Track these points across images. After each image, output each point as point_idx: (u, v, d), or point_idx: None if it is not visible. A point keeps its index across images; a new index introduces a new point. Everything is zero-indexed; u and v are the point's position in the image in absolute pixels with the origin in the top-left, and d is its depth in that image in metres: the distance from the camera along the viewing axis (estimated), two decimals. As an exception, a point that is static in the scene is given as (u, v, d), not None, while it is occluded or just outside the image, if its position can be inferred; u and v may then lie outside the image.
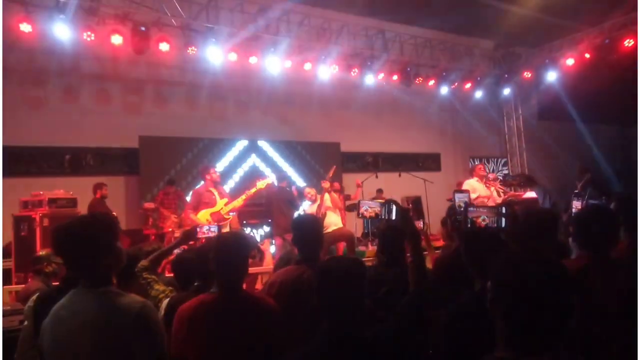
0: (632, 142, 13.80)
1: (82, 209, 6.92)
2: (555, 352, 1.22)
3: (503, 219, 2.35)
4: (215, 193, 6.27)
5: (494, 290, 1.31)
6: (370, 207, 2.13)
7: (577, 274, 2.09)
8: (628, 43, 8.82)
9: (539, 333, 1.23)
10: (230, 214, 6.31)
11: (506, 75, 11.29)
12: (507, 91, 11.63)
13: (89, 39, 7.04)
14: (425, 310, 1.90)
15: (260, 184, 6.69)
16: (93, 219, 1.93)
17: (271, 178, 7.18)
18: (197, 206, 6.16)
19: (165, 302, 2.74)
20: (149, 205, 8.01)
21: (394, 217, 2.05)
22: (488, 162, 12.59)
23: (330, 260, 1.93)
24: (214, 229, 3.63)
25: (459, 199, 4.39)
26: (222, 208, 6.18)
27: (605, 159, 13.09)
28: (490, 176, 7.51)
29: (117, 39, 7.12)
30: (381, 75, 9.84)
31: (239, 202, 6.33)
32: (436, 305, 2.24)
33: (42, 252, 3.99)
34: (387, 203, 2.08)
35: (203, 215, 6.09)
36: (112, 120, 8.42)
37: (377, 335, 1.71)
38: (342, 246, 7.21)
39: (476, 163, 12.29)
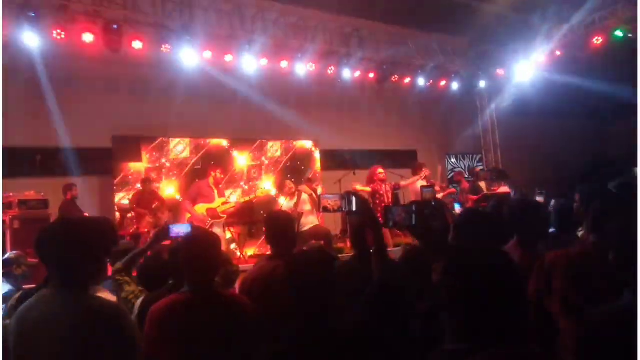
0: (604, 137, 14.21)
1: (54, 210, 6.80)
2: (508, 343, 1.22)
3: (413, 216, 2.32)
4: (215, 191, 6.42)
5: (442, 283, 1.32)
6: (331, 200, 2.16)
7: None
8: (597, 40, 9.05)
9: (489, 324, 1.22)
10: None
11: (480, 72, 11.46)
12: (481, 86, 11.81)
13: (59, 38, 6.91)
14: (392, 298, 1.93)
15: (260, 192, 6.85)
16: (97, 224, 1.90)
17: (269, 188, 7.26)
18: (196, 199, 6.35)
19: (139, 302, 2.71)
20: (124, 205, 7.91)
21: (354, 208, 2.09)
22: (464, 159, 12.78)
23: (299, 253, 1.96)
24: (187, 228, 3.60)
25: (426, 192, 4.47)
26: (218, 206, 6.31)
27: (579, 154, 13.43)
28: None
29: (88, 37, 7.01)
30: (357, 73, 9.89)
31: (235, 203, 6.48)
32: (411, 296, 2.27)
33: (11, 255, 3.90)
34: (347, 195, 2.11)
35: (200, 208, 6.23)
36: (85, 120, 8.26)
37: (345, 326, 1.73)
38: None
39: (452, 160, 12.53)
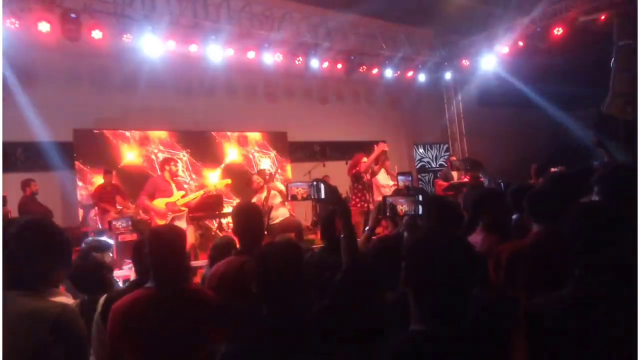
0: (567, 126, 14.61)
1: (12, 207, 6.55)
2: (465, 322, 1.29)
3: (420, 207, 2.39)
4: (173, 184, 6.33)
5: (405, 269, 1.35)
6: (300, 189, 2.11)
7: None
8: (557, 31, 9.26)
9: (448, 306, 1.29)
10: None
11: (446, 63, 11.60)
12: (447, 77, 11.96)
13: (13, 27, 6.62)
14: (362, 285, 1.93)
15: (219, 184, 6.81)
16: (51, 225, 1.79)
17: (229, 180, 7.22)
18: (153, 194, 6.24)
19: (102, 300, 2.63)
20: (87, 200, 7.68)
21: (323, 196, 2.06)
22: (431, 148, 12.94)
23: (266, 247, 1.93)
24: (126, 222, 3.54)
25: (402, 180, 4.48)
26: (178, 199, 6.23)
27: (543, 143, 13.78)
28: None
29: (44, 26, 6.72)
30: (326, 64, 9.85)
31: (196, 196, 6.39)
32: (381, 286, 2.28)
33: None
34: (315, 182, 2.08)
35: (158, 203, 6.13)
36: (44, 113, 7.93)
37: (315, 317, 1.72)
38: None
39: (419, 150, 12.66)
